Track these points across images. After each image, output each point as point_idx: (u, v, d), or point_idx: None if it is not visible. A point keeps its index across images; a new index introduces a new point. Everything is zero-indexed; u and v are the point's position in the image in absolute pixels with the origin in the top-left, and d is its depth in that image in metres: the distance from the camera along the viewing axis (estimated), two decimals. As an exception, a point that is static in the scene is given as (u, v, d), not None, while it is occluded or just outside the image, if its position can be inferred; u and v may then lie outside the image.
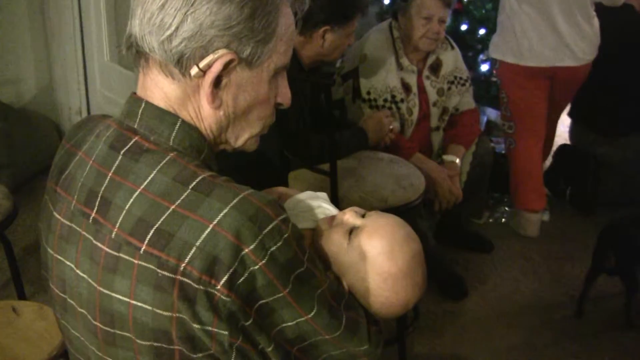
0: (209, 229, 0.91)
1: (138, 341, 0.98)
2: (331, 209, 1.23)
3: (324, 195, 1.29)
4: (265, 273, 0.93)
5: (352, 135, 2.63)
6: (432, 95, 2.98)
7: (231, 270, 0.91)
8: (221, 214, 0.92)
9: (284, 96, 1.11)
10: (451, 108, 3.07)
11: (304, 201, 1.25)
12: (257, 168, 2.11)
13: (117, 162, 1.01)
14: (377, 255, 1.11)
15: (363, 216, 1.17)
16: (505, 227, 3.58)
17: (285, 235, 0.95)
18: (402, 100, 2.88)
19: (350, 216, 1.16)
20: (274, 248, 0.93)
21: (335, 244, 1.13)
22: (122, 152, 1.01)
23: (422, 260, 1.15)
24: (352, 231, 1.13)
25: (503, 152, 3.71)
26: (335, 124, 2.34)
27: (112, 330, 1.00)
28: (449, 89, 3.03)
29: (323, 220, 1.20)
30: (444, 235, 3.32)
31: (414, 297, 1.15)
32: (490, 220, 3.63)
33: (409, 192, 2.37)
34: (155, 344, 0.97)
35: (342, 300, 1.07)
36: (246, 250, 0.91)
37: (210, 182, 0.96)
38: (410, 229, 1.16)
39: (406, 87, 2.90)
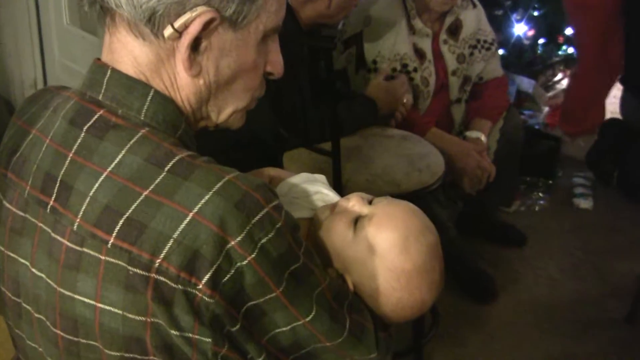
0: (188, 218, 0.91)
1: (106, 351, 0.99)
2: (331, 195, 1.24)
3: (322, 178, 1.29)
4: (255, 269, 0.93)
5: (359, 107, 2.63)
6: (451, 62, 2.97)
7: (215, 267, 0.91)
8: (202, 201, 0.92)
9: (275, 64, 1.11)
10: (474, 77, 3.06)
11: (298, 185, 1.25)
12: (246, 148, 2.12)
13: (78, 141, 1.01)
14: (388, 249, 1.12)
15: (370, 203, 1.18)
16: (541, 217, 3.60)
17: (278, 225, 0.95)
18: (415, 70, 2.87)
19: (355, 202, 1.16)
20: (264, 240, 0.93)
21: (337, 235, 1.14)
22: (84, 128, 1.01)
23: (440, 254, 1.17)
24: (357, 220, 1.14)
25: (536, 126, 3.71)
26: (337, 96, 2.34)
27: (75, 339, 1.01)
28: (471, 54, 3.02)
29: (323, 208, 1.20)
30: (468, 226, 3.33)
31: (431, 297, 1.16)
32: (522, 208, 3.64)
33: (426, 174, 2.38)
34: (127, 354, 0.98)
35: (345, 301, 1.07)
36: (232, 242, 0.91)
37: (190, 163, 0.96)
38: (426, 218, 1.18)
39: (420, 54, 2.90)
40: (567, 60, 4.32)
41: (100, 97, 1.03)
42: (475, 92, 3.09)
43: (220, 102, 1.08)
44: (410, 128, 2.73)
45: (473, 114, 3.06)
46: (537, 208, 3.67)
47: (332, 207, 1.19)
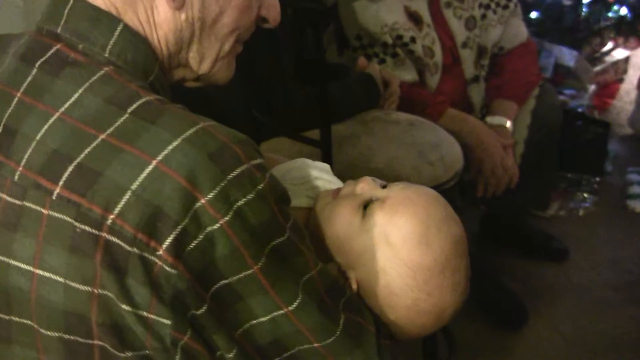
0: (150, 167, 0.95)
1: (42, 331, 1.02)
2: (336, 182, 1.31)
3: (325, 166, 1.35)
4: (229, 236, 0.97)
5: (357, 86, 2.65)
6: (459, 30, 2.96)
7: (179, 229, 0.95)
8: (170, 147, 0.96)
9: (271, 9, 1.18)
10: (491, 46, 3.05)
11: (296, 169, 1.32)
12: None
13: (29, 79, 1.05)
14: (404, 239, 1.17)
15: (384, 188, 1.23)
16: (586, 223, 3.62)
17: (260, 187, 0.99)
18: (412, 40, 2.84)
19: (366, 185, 1.22)
20: (242, 202, 0.97)
21: (342, 222, 1.20)
22: (37, 64, 1.06)
23: (466, 252, 1.22)
24: (367, 205, 1.20)
25: (580, 109, 3.72)
26: (328, 72, 2.35)
27: (6, 317, 1.04)
28: (484, 16, 3.01)
29: (325, 192, 1.27)
30: (493, 235, 3.38)
31: (453, 303, 1.21)
32: (562, 212, 3.67)
33: (439, 168, 2.42)
34: (66, 335, 1.01)
35: (340, 298, 1.12)
36: (202, 200, 0.95)
37: (158, 106, 1.01)
38: (450, 207, 1.23)
39: (415, 19, 2.87)
40: (619, 25, 4.31)
41: (59, 30, 1.08)
42: (495, 67, 3.09)
43: (205, 47, 1.14)
44: (419, 110, 2.73)
45: (494, 93, 3.05)
46: (581, 212, 3.70)
47: (336, 192, 1.24)
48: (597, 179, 3.84)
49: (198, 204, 0.95)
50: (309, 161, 1.35)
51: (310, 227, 1.22)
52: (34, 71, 1.05)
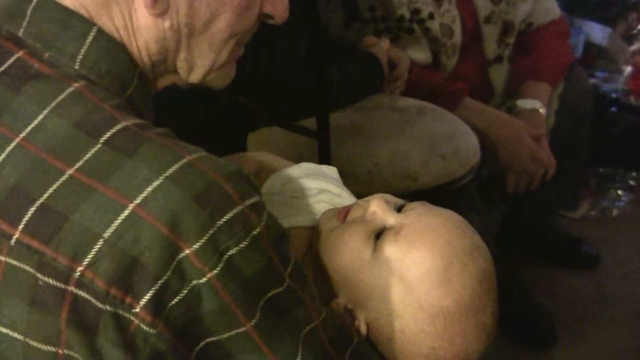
0: (126, 212, 0.93)
1: None
2: (345, 195, 1.28)
3: (333, 171, 1.32)
4: (217, 291, 0.95)
5: (359, 68, 2.64)
6: (483, 3, 2.96)
7: (160, 284, 0.93)
8: (149, 188, 0.93)
9: (278, 3, 1.15)
10: (518, 23, 3.05)
11: (298, 179, 1.30)
12: (211, 126, 2.12)
13: None
14: (421, 278, 1.14)
15: (399, 210, 1.21)
16: (620, 225, 3.63)
17: (255, 232, 0.97)
18: (431, 16, 2.84)
19: (378, 207, 1.20)
20: (233, 251, 0.95)
21: (349, 254, 1.18)
22: None
23: (494, 287, 1.19)
24: (380, 234, 1.18)
25: (614, 95, 3.71)
26: (326, 51, 2.34)
27: None
28: None
29: (329, 213, 1.24)
30: (514, 239, 3.37)
31: (478, 347, 1.19)
32: (594, 212, 3.68)
33: (452, 163, 2.41)
34: None
35: (347, 347, 1.11)
36: (187, 251, 0.93)
37: (137, 134, 0.98)
38: (476, 234, 1.21)
39: None
40: (656, -1, 4.31)
41: (20, 34, 1.05)
42: (524, 45, 3.08)
43: (195, 55, 1.12)
44: (432, 97, 2.73)
45: (524, 74, 3.04)
46: (615, 212, 3.69)
47: (344, 213, 1.22)
48: (634, 173, 3.84)
49: (182, 255, 0.93)
50: (313, 167, 1.33)
51: (313, 254, 1.20)
52: None
